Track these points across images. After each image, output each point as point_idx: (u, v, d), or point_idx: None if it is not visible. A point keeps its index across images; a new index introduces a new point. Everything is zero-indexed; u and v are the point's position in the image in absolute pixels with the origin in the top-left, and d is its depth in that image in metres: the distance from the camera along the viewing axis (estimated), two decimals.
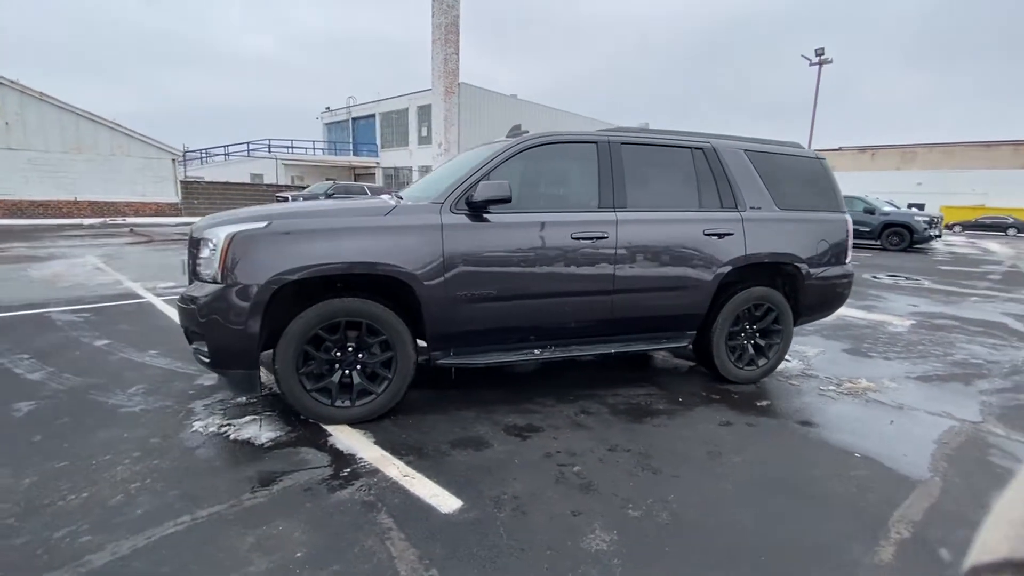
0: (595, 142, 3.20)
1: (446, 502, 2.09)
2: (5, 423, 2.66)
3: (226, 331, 2.51)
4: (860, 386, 3.64)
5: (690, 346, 3.54)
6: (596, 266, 3.05)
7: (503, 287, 2.89)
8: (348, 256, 2.61)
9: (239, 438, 2.57)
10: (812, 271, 3.60)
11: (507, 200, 2.74)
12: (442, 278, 2.74)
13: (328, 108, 38.17)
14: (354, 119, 36.61)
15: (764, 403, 3.29)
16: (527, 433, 2.75)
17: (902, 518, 2.10)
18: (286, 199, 18.48)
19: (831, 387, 3.61)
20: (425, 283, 2.70)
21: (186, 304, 2.64)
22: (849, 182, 29.14)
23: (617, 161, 3.19)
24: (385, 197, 3.58)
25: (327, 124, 38.79)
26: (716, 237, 3.31)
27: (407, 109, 33.14)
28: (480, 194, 2.76)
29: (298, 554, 1.76)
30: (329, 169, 34.65)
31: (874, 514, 2.12)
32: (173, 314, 4.78)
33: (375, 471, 2.31)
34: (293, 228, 2.59)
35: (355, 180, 32.37)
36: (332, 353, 2.72)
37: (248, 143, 31.63)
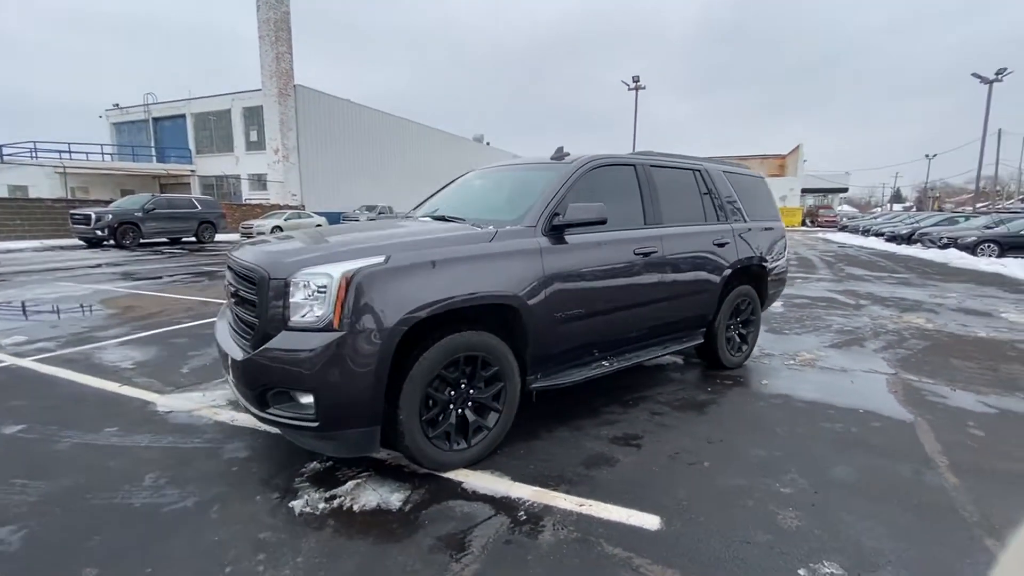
0: (633, 164, 3.48)
1: (645, 520, 2.14)
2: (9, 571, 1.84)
3: (349, 384, 2.14)
4: (807, 358, 4.59)
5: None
6: (651, 277, 3.33)
7: (587, 305, 2.97)
8: (472, 287, 2.44)
9: (366, 507, 2.21)
10: (771, 268, 4.44)
11: (602, 222, 2.84)
12: (543, 301, 2.73)
13: (117, 105, 31.50)
14: (156, 120, 30.88)
15: (765, 382, 3.95)
16: (634, 441, 2.89)
17: (933, 450, 2.82)
18: (87, 216, 14.86)
19: (790, 361, 4.48)
20: (531, 307, 2.66)
21: (276, 359, 2.17)
22: None
23: (651, 181, 3.52)
24: (386, 220, 3.48)
25: (116, 124, 32.02)
26: (720, 246, 3.88)
27: (229, 110, 29.22)
28: (571, 216, 2.81)
29: None
30: (126, 179, 28.67)
31: (914, 451, 2.81)
32: (77, 378, 3.71)
33: (549, 507, 2.23)
34: (415, 261, 2.32)
35: (161, 191, 27.21)
36: (447, 393, 2.49)
37: (1, 146, 24.35)
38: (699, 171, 3.99)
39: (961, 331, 5.71)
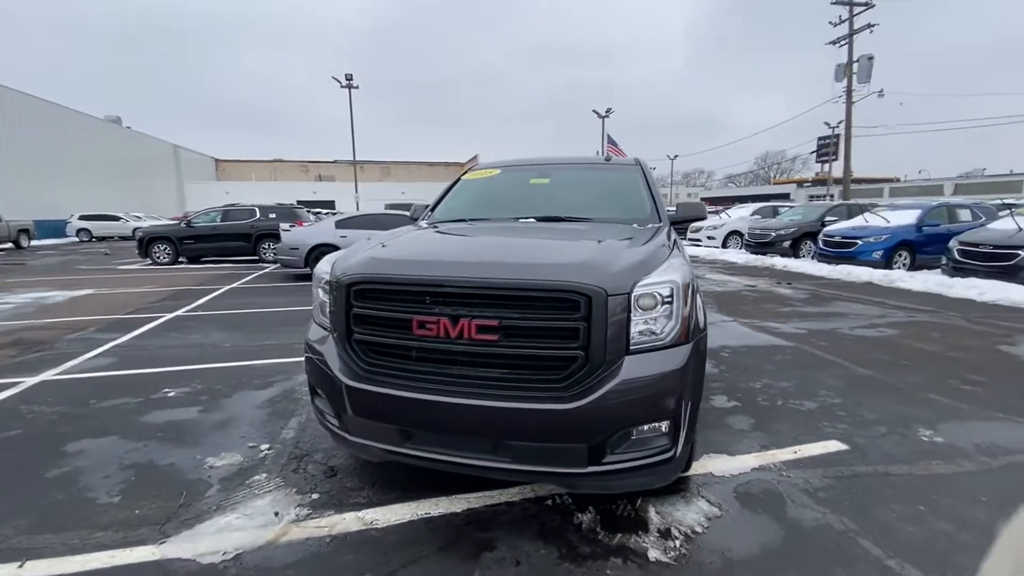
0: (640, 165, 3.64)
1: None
2: None
3: (697, 398, 2.12)
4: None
5: None
6: None
7: None
8: None
9: (625, 544, 2.07)
10: None
11: (703, 218, 3.10)
12: None
13: None
14: None
15: None
16: None
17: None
18: None
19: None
20: None
21: (631, 391, 1.90)
22: (348, 192, 35.56)
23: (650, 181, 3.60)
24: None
25: None
26: None
27: None
28: (681, 213, 3.23)
29: None
30: None
31: None
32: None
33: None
34: (687, 263, 2.31)
35: None
36: None
37: None
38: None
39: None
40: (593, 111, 37.26)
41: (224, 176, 55.00)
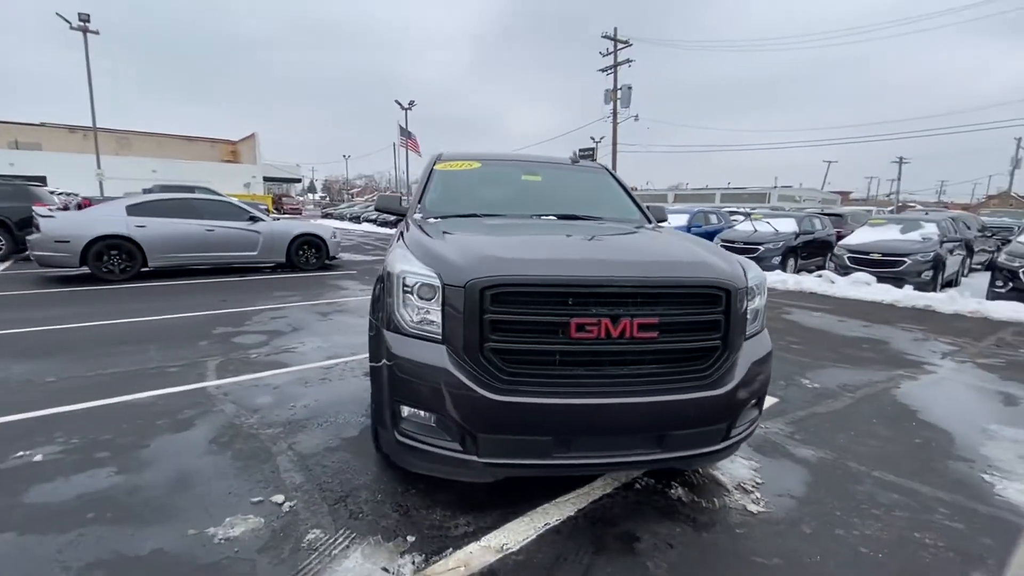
0: None
1: None
2: None
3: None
4: None
5: None
6: None
7: None
8: None
9: (725, 503, 2.20)
10: None
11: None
12: None
13: None
14: None
15: None
16: None
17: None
18: None
19: None
20: None
21: (759, 374, 2.28)
22: (64, 165, 29.98)
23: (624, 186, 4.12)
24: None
25: None
26: None
27: None
28: (657, 214, 3.71)
29: None
30: None
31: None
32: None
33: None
34: None
35: None
36: None
37: None
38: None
39: None
40: (396, 102, 36.13)
41: None
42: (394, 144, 47.91)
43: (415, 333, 2.10)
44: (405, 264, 2.17)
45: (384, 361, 2.15)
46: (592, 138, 50.39)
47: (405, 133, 44.04)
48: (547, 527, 2.23)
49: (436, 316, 2.06)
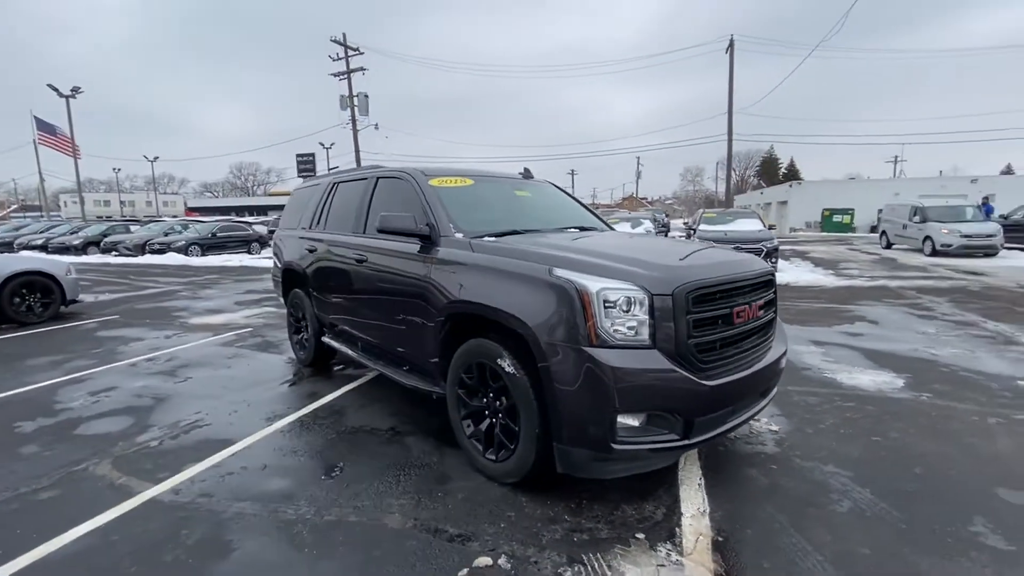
0: None
1: None
2: None
3: None
4: None
5: None
6: None
7: None
8: None
9: (762, 451, 3.00)
10: None
11: None
12: None
13: None
14: None
15: None
16: None
17: None
18: None
19: None
20: None
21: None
22: None
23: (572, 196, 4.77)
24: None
25: None
26: None
27: None
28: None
29: None
30: None
31: None
32: None
33: None
34: None
35: None
36: None
37: None
38: None
39: None
40: (49, 86, 26.59)
41: None
42: (34, 141, 34.75)
43: (622, 344, 2.22)
44: (598, 283, 2.25)
45: (595, 377, 2.18)
46: (322, 144, 47.36)
47: (47, 127, 33.42)
48: (701, 486, 2.66)
49: (642, 324, 2.24)
